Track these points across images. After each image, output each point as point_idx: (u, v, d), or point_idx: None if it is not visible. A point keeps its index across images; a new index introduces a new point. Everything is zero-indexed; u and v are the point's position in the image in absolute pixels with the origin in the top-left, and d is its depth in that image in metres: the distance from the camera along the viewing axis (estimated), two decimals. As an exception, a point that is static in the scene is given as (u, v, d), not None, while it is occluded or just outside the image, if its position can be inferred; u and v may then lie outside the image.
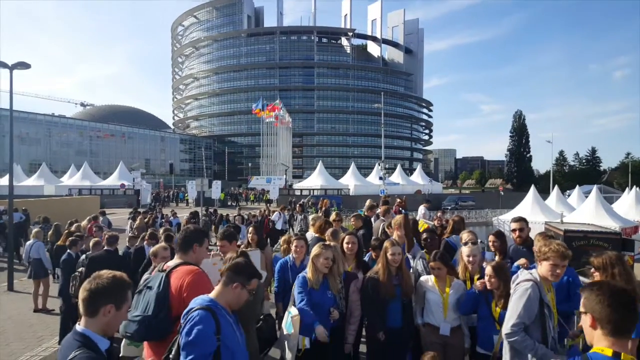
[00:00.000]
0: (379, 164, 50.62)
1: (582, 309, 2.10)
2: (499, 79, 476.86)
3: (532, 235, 4.95)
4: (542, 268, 3.31)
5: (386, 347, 4.20)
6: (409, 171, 75.82)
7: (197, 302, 2.66)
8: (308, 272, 4.15)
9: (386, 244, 4.43)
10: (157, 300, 3.02)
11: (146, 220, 15.02)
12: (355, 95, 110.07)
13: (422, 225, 6.88)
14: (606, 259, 3.41)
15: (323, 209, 9.86)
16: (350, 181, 49.52)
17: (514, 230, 5.10)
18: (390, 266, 4.30)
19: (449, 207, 42.14)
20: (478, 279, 4.28)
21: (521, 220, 5.19)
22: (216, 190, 39.43)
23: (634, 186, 35.70)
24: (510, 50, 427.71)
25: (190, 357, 2.48)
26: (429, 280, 4.39)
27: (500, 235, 4.98)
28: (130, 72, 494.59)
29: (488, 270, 3.94)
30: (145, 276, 3.39)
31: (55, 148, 78.85)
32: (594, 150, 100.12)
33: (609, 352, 1.93)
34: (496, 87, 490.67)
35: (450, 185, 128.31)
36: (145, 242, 8.09)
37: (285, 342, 3.91)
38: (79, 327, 2.19)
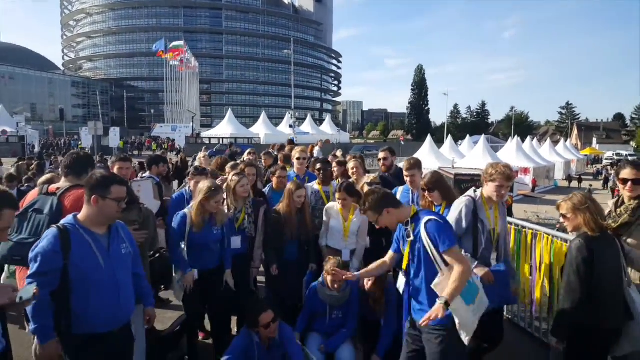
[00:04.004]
0: (289, 113, 50.53)
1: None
2: (403, 34, 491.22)
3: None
4: (488, 188, 3.57)
5: (282, 277, 4.43)
6: (319, 122, 76.68)
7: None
8: (193, 213, 3.91)
9: (290, 185, 4.52)
10: (51, 223, 2.85)
11: (32, 167, 13.62)
12: (265, 42, 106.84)
13: None
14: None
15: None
16: (260, 130, 48.87)
17: (379, 160, 5.57)
18: (295, 206, 4.44)
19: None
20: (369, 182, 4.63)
21: (386, 150, 5.67)
22: (114, 138, 36.68)
23: (516, 136, 39.84)
24: (415, 5, 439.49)
25: (30, 272, 2.47)
26: (334, 207, 4.58)
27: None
28: (11, 4, 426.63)
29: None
30: (31, 198, 3.19)
31: None
32: (483, 104, 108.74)
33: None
34: (401, 42, 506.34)
35: (357, 135, 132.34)
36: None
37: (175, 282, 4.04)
38: None
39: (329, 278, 3.85)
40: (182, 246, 3.91)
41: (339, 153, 10.41)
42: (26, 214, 2.99)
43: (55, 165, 16.06)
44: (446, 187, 4.08)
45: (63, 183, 3.23)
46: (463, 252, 3.15)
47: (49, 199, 3.04)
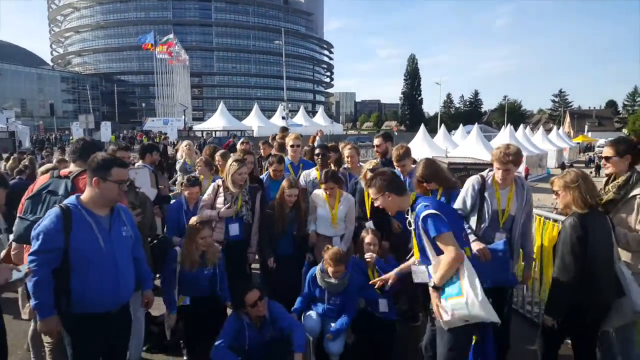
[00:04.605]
0: (282, 105, 50.25)
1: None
2: (395, 24, 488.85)
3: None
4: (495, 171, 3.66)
5: (279, 272, 4.49)
6: (312, 113, 76.35)
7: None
8: (184, 253, 3.83)
9: (284, 183, 4.53)
10: None
11: (23, 160, 13.47)
12: (256, 34, 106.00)
13: None
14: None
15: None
16: (253, 122, 48.57)
17: (374, 146, 5.75)
18: (287, 204, 4.47)
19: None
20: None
21: (380, 136, 5.73)
22: (105, 132, 36.58)
23: (509, 124, 40.10)
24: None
25: (32, 250, 2.51)
26: (320, 194, 4.59)
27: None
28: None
29: (368, 238, 4.10)
30: (42, 182, 3.22)
31: None
32: (476, 93, 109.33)
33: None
34: (392, 32, 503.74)
35: (351, 127, 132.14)
36: None
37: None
38: None
39: (329, 269, 3.85)
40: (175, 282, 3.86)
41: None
42: (40, 195, 3.04)
43: (47, 159, 15.90)
44: (442, 176, 4.02)
45: (73, 168, 3.27)
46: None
47: (62, 181, 3.10)
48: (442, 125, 41.10)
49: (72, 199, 2.65)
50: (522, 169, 33.09)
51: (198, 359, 3.76)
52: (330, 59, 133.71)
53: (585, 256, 2.89)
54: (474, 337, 2.99)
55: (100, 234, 2.63)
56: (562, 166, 39.45)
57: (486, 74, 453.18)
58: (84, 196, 2.67)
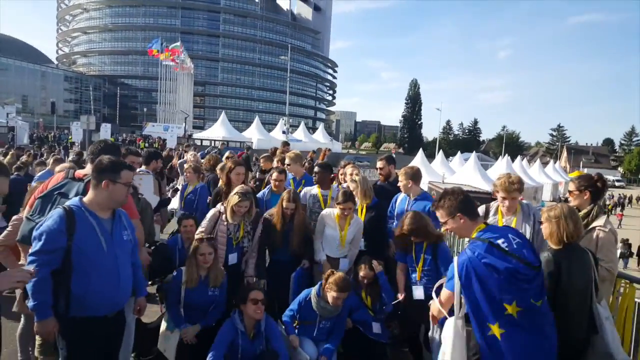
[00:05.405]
0: (283, 119, 50.50)
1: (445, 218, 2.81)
2: (399, 49, 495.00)
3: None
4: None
5: (273, 278, 4.46)
6: (312, 130, 76.84)
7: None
8: (185, 270, 3.85)
9: (284, 195, 4.50)
10: None
11: (24, 157, 13.38)
12: (262, 48, 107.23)
13: None
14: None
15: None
16: (253, 134, 48.73)
17: (377, 169, 5.66)
18: (285, 216, 4.46)
19: (347, 166, 43.93)
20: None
21: (383, 159, 5.63)
22: (105, 134, 36.52)
23: (506, 155, 40.45)
24: (411, 21, 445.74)
25: (33, 250, 2.50)
26: (331, 214, 4.50)
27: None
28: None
29: (363, 273, 4.13)
30: (56, 181, 3.21)
31: None
32: (475, 122, 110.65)
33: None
34: (396, 56, 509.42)
35: (349, 146, 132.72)
36: None
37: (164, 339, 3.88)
38: None
39: (333, 294, 3.71)
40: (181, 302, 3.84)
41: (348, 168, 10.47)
42: (51, 196, 3.01)
43: (46, 156, 15.81)
44: (428, 230, 3.84)
45: (89, 169, 3.22)
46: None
47: (76, 184, 3.08)
48: (441, 151, 41.38)
49: (75, 200, 2.66)
50: (517, 199, 33.33)
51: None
52: (334, 77, 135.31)
53: (558, 290, 2.89)
54: None
55: (103, 236, 2.64)
56: (558, 200, 39.70)
57: (486, 103, 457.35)
58: (87, 198, 2.68)
